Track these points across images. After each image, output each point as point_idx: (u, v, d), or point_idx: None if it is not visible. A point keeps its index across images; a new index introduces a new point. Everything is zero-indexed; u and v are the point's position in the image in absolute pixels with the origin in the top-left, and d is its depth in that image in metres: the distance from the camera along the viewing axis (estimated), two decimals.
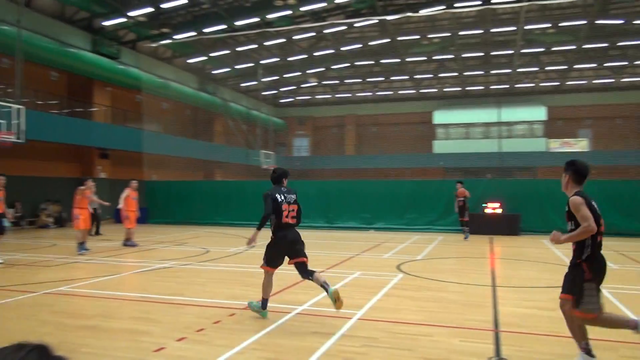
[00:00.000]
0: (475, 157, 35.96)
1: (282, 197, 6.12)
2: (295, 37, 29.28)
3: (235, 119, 35.31)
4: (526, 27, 26.67)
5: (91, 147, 23.57)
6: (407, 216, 19.53)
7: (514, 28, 27.13)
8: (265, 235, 6.38)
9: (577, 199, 4.38)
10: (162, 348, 5.03)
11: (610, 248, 11.82)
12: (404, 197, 19.72)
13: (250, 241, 6.33)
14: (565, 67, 35.25)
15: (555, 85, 39.34)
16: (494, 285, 8.45)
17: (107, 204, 14.75)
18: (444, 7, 23.46)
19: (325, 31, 28.06)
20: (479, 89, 40.64)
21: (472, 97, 41.28)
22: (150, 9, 22.41)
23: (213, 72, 34.13)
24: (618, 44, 29.99)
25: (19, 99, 15.40)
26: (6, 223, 20.43)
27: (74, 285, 8.43)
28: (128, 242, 14.20)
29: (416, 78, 39.09)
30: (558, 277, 8.85)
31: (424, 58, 34.20)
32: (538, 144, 38.11)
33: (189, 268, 10.40)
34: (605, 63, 34.37)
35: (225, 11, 24.26)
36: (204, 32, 25.65)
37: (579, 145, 37.47)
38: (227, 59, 32.23)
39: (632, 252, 12.75)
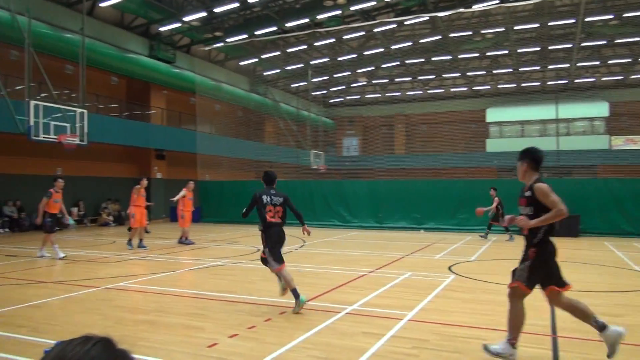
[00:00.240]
0: None
1: (269, 199, 6.81)
2: (344, 37, 29.27)
3: (285, 120, 35.72)
4: (587, 19, 25.48)
5: (148, 148, 24.52)
6: (458, 216, 19.12)
7: (574, 20, 25.97)
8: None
9: (545, 185, 4.51)
10: (215, 344, 5.16)
11: None
12: (456, 197, 19.31)
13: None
14: (630, 60, 33.43)
15: (618, 79, 37.36)
16: None
17: (151, 204, 15.29)
18: (497, 1, 22.79)
19: (375, 30, 27.88)
20: (536, 85, 39.19)
21: (528, 94, 39.85)
22: (203, 14, 23.03)
23: (264, 73, 34.66)
24: None
25: (82, 103, 16.20)
26: (71, 221, 21.62)
27: (132, 281, 8.80)
28: (184, 241, 14.69)
29: (469, 75, 38.18)
30: (619, 281, 8.41)
31: (477, 54, 33.34)
32: (599, 142, 36.31)
33: (241, 266, 10.62)
34: None
35: (276, 13, 24.58)
36: (255, 35, 26.10)
37: None
38: (278, 60, 32.64)
39: None
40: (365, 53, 32.19)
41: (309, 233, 7.47)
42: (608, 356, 4.44)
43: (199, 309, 6.77)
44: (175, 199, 14.98)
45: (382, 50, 31.58)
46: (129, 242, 13.73)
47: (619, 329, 4.45)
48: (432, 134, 41.88)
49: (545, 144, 34.47)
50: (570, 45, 29.69)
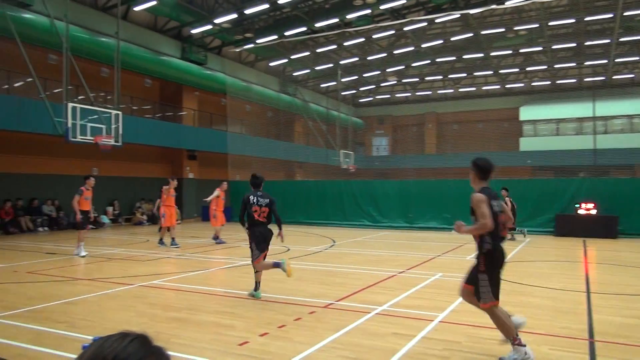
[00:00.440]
0: (567, 155, 33.75)
1: (255, 200, 7.45)
2: (374, 36, 29.13)
3: (314, 120, 35.80)
4: (625, 14, 24.65)
5: (180, 149, 24.96)
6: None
7: (611, 15, 25.17)
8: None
9: (479, 196, 4.64)
10: (246, 342, 5.21)
11: None
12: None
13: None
14: None
15: None
16: (588, 292, 7.91)
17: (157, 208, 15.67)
18: None
19: (405, 29, 27.63)
20: (571, 82, 38.14)
21: (564, 91, 38.83)
22: (234, 15, 23.28)
23: (294, 74, 34.81)
24: None
25: (117, 105, 16.60)
26: (106, 220, 22.22)
27: (165, 279, 8.97)
28: (216, 240, 14.92)
29: (501, 73, 37.44)
30: None
31: (510, 52, 32.66)
32: (638, 140, 35.06)
33: None
34: None
35: (306, 14, 24.65)
36: (285, 35, 26.24)
37: None
38: (307, 60, 32.74)
39: None
40: (395, 52, 31.95)
41: (282, 239, 7.88)
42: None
43: (229, 307, 6.85)
44: (208, 199, 15.25)
45: (412, 48, 31.29)
46: (161, 240, 14.08)
47: (521, 319, 4.83)
48: (463, 133, 41.27)
49: (581, 143, 33.79)
50: (608, 41, 28.78)
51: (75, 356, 4.65)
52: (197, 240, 16.07)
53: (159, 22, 24.34)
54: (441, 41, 30.27)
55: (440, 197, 19.71)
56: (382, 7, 23.42)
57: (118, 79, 16.66)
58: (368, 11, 24.19)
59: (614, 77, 36.01)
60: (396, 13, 25.74)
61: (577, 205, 17.34)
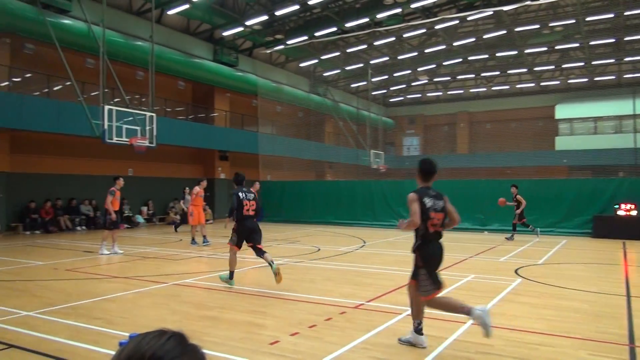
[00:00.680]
0: (605, 154, 32.70)
1: (244, 195, 8.15)
2: (405, 35, 28.90)
3: (345, 120, 35.76)
4: None
5: (212, 149, 25.32)
6: (525, 217, 18.34)
7: None
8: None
9: (411, 195, 5.14)
10: (276, 341, 5.24)
11: None
12: (523, 197, 18.54)
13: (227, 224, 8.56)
14: None
15: None
16: (628, 295, 7.65)
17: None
18: None
19: (437, 27, 27.32)
20: (610, 79, 36.92)
21: (602, 88, 37.62)
22: (265, 17, 23.49)
23: (324, 74, 34.86)
24: None
25: (151, 107, 16.95)
26: (141, 219, 22.71)
27: (197, 278, 9.11)
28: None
29: (536, 70, 36.57)
30: None
31: (545, 48, 31.87)
32: None
33: (301, 265, 10.73)
34: None
35: (336, 14, 24.65)
36: (315, 36, 26.31)
37: None
38: (338, 60, 32.73)
39: None
40: (426, 51, 31.61)
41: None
42: (485, 334, 4.77)
43: (260, 306, 6.91)
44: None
45: (443, 47, 30.90)
46: (193, 240, 14.33)
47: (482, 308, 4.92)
48: (497, 132, 40.49)
49: (621, 141, 32.69)
50: None
51: (111, 352, 4.77)
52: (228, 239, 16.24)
53: (191, 25, 24.75)
54: (473, 39, 29.80)
55: (473, 198, 19.39)
56: (413, 5, 23.21)
57: (152, 82, 17.01)
58: (399, 10, 24.02)
59: None
60: (427, 11, 25.46)
61: (617, 206, 16.80)
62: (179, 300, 7.37)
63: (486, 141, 40.95)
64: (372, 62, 32.35)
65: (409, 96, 44.57)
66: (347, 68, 33.60)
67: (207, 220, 22.86)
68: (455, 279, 8.91)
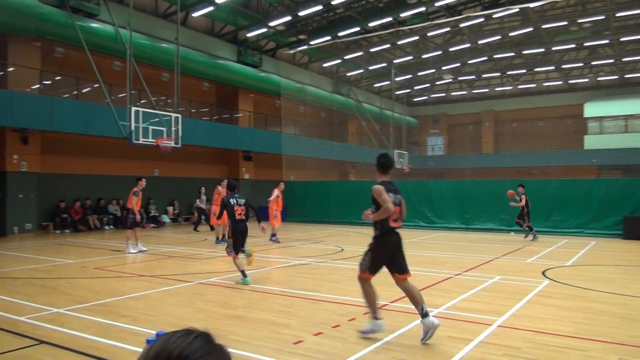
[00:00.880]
0: (637, 153, 31.85)
1: (235, 201, 8.73)
2: (429, 34, 28.65)
3: (368, 120, 35.64)
4: None
5: (236, 150, 25.53)
6: (553, 218, 18.02)
7: None
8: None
9: (378, 187, 5.39)
10: (300, 341, 5.25)
11: None
12: (550, 197, 18.21)
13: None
14: None
15: None
16: None
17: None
18: None
19: (461, 25, 27.00)
20: None
21: (633, 86, 36.62)
22: (288, 18, 23.58)
23: (347, 74, 34.81)
24: None
25: (176, 108, 17.20)
26: (167, 219, 23.03)
27: (222, 277, 9.20)
28: (273, 238, 15.24)
29: (564, 68, 35.84)
30: None
31: (573, 45, 31.18)
32: None
33: (325, 265, 10.73)
34: None
35: (359, 14, 24.58)
36: (338, 36, 26.28)
37: None
38: (361, 60, 32.64)
39: None
40: (451, 49, 31.27)
41: (264, 230, 9.22)
42: (422, 340, 5.11)
43: (284, 306, 6.93)
44: (271, 199, 15.66)
45: (468, 45, 30.52)
46: (217, 239, 14.50)
47: (436, 321, 5.13)
48: (523, 131, 39.83)
49: None
50: None
51: (138, 349, 4.85)
52: (252, 239, 16.36)
53: (216, 27, 25.01)
54: (499, 37, 29.36)
55: (498, 198, 19.04)
56: (437, 4, 22.99)
57: (178, 83, 17.25)
58: (423, 9, 23.83)
59: None
60: (452, 9, 25.18)
61: None
62: (204, 299, 7.45)
63: (512, 140, 40.30)
64: (395, 61, 32.16)
65: (433, 95, 44.17)
66: (371, 68, 33.48)
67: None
68: (480, 280, 8.79)
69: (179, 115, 17.05)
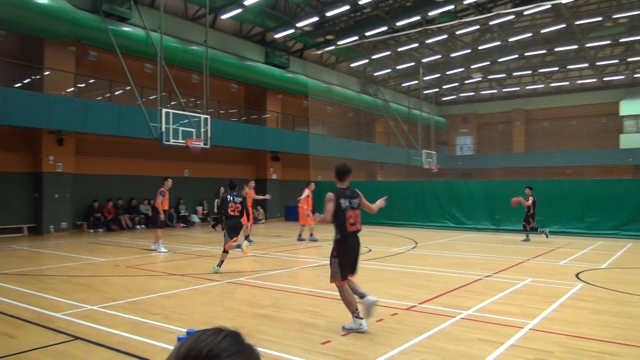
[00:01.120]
0: None
1: (231, 198, 9.75)
2: (457, 33, 28.27)
3: (396, 119, 35.40)
4: None
5: (264, 150, 25.72)
6: (587, 219, 17.53)
7: None
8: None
9: (330, 195, 5.84)
10: (328, 341, 5.26)
11: None
12: (584, 198, 17.73)
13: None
14: None
15: None
16: None
17: (266, 197, 16.66)
18: None
19: (491, 23, 26.55)
20: None
21: None
22: (315, 19, 23.62)
23: (374, 74, 34.65)
24: None
25: (205, 109, 17.44)
26: (196, 219, 23.36)
27: (250, 277, 9.28)
28: (311, 238, 15.46)
29: (598, 65, 34.85)
30: None
31: (608, 42, 30.30)
32: None
33: None
34: None
35: (386, 13, 24.45)
36: (365, 36, 26.19)
37: None
38: (388, 60, 32.44)
39: None
40: (480, 48, 30.79)
41: (249, 228, 11.05)
42: (364, 317, 5.58)
43: (313, 306, 6.95)
44: (301, 198, 15.85)
45: (498, 43, 29.98)
46: (246, 238, 14.53)
47: (373, 298, 5.65)
48: (555, 130, 38.89)
49: None
50: None
51: (169, 346, 4.94)
52: (281, 239, 16.46)
53: (244, 29, 25.24)
54: (530, 34, 28.75)
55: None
56: (466, 1, 22.68)
57: (207, 85, 17.48)
58: (451, 7, 23.53)
59: None
60: (481, 7, 24.79)
61: None
62: (233, 298, 7.53)
63: (544, 140, 39.42)
64: (423, 60, 31.87)
65: (462, 94, 43.59)
66: (398, 67, 33.24)
67: (259, 220, 23.30)
68: (511, 282, 8.63)
69: (208, 117, 17.27)
